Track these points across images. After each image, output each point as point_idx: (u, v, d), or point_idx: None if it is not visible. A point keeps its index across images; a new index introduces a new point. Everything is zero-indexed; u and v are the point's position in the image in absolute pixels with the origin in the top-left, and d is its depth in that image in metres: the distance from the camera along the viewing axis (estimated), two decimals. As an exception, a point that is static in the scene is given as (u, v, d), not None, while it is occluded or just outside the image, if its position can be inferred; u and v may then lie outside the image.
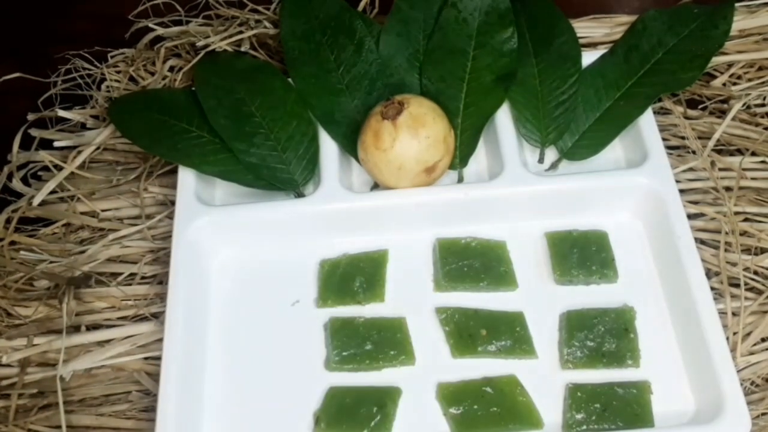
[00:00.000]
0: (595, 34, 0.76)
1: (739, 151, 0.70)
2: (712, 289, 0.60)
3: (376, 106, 0.64)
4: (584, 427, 0.56)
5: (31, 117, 0.75)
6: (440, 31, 0.68)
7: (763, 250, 0.64)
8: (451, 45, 0.67)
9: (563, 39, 0.70)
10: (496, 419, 0.56)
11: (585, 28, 0.76)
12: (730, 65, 0.74)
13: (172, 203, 0.66)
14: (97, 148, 0.72)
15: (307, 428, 0.58)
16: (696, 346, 0.57)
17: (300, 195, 0.66)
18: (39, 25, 0.85)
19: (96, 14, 0.84)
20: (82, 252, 0.67)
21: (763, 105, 0.72)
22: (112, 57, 0.78)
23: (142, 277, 0.66)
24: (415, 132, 0.61)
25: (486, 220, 0.65)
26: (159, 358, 0.58)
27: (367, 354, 0.59)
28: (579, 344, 0.59)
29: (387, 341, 0.60)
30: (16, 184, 0.71)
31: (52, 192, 0.70)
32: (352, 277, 0.63)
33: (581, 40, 0.72)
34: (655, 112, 0.68)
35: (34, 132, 0.74)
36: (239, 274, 0.65)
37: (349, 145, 0.67)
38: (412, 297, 0.63)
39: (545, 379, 0.59)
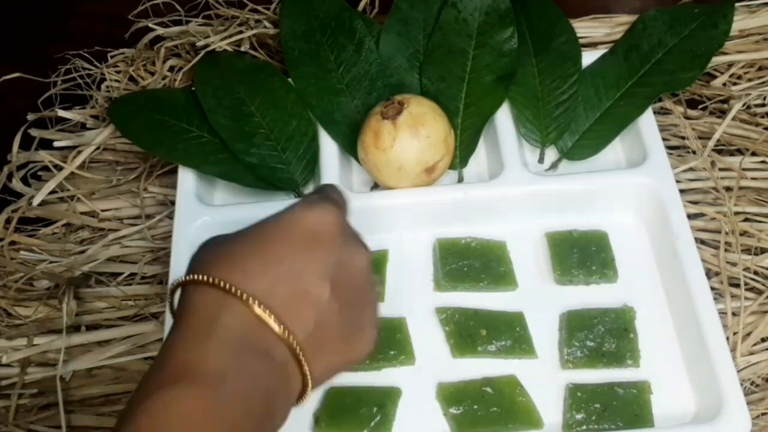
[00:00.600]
0: (595, 34, 0.76)
1: (739, 151, 0.70)
2: (712, 289, 0.60)
3: (376, 106, 0.64)
4: (584, 427, 0.56)
5: (31, 117, 0.75)
6: (440, 31, 0.68)
7: (763, 250, 0.64)
8: (451, 45, 0.67)
9: (563, 39, 0.70)
10: (496, 419, 0.56)
11: (585, 28, 0.76)
12: (730, 65, 0.74)
13: (172, 203, 0.66)
14: (97, 148, 0.72)
15: (307, 428, 0.58)
16: (696, 346, 0.57)
17: (300, 195, 0.66)
18: (39, 25, 0.85)
19: (96, 14, 0.84)
20: (82, 252, 0.67)
21: (763, 105, 0.72)
22: (112, 57, 0.78)
23: (142, 277, 0.66)
24: (415, 132, 0.61)
25: (486, 220, 0.65)
26: (159, 358, 0.58)
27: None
28: (579, 344, 0.59)
29: (387, 341, 0.60)
30: (16, 184, 0.71)
31: (52, 192, 0.70)
32: (352, 277, 0.63)
33: (581, 40, 0.72)
34: (655, 112, 0.68)
35: (34, 132, 0.74)
36: (239, 274, 0.65)
37: (349, 145, 0.67)
38: (412, 297, 0.63)
39: (545, 379, 0.59)
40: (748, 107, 0.72)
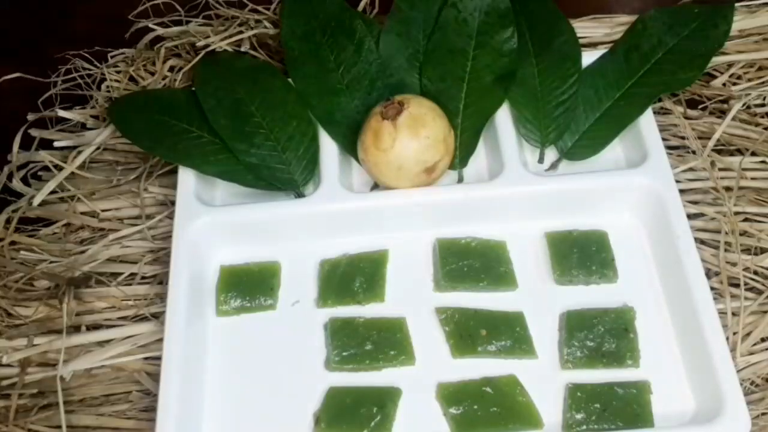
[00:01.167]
0: (595, 34, 0.76)
1: (739, 151, 0.70)
2: (712, 289, 0.60)
3: (376, 106, 0.64)
4: (584, 427, 0.56)
5: (31, 117, 0.75)
6: (440, 31, 0.68)
7: (763, 250, 0.64)
8: (451, 45, 0.67)
9: (563, 39, 0.70)
10: (496, 419, 0.56)
11: (585, 28, 0.76)
12: (730, 65, 0.74)
13: (172, 203, 0.66)
14: (97, 148, 0.72)
15: (307, 428, 0.58)
16: (696, 346, 0.57)
17: (300, 195, 0.66)
18: (39, 25, 0.85)
19: (96, 14, 0.84)
20: (82, 252, 0.67)
21: (763, 105, 0.72)
22: (112, 57, 0.78)
23: (142, 277, 0.66)
24: (415, 132, 0.61)
25: (486, 220, 0.65)
26: (159, 358, 0.58)
27: (367, 354, 0.59)
28: (579, 344, 0.59)
29: (387, 341, 0.60)
30: (16, 184, 0.71)
31: (52, 192, 0.70)
32: (352, 277, 0.63)
33: (581, 40, 0.72)
34: (655, 112, 0.68)
35: (34, 132, 0.74)
36: (239, 274, 0.65)
37: (349, 145, 0.67)
38: (412, 297, 0.63)
39: (545, 379, 0.59)
40: (748, 107, 0.72)
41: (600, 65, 0.70)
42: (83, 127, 0.75)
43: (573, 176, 0.65)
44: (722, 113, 0.72)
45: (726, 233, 0.64)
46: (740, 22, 0.75)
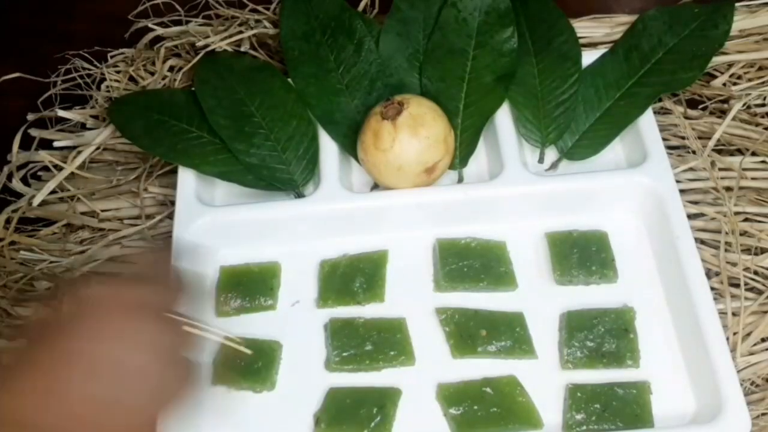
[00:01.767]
0: (595, 34, 0.76)
1: (739, 151, 0.70)
2: (712, 289, 0.60)
3: (376, 106, 0.64)
4: (584, 427, 0.56)
5: (31, 117, 0.75)
6: (440, 31, 0.68)
7: (763, 250, 0.64)
8: (451, 45, 0.67)
9: (563, 39, 0.70)
10: (496, 419, 0.56)
11: (585, 28, 0.76)
12: (730, 65, 0.74)
13: (172, 203, 0.66)
14: (97, 148, 0.72)
15: (307, 429, 0.58)
16: (696, 346, 0.57)
17: (300, 195, 0.66)
18: (39, 25, 0.85)
19: (96, 14, 0.84)
20: (82, 252, 0.67)
21: (763, 105, 0.72)
22: (112, 57, 0.78)
23: (142, 278, 0.66)
24: (415, 132, 0.61)
25: (486, 220, 0.65)
26: (159, 359, 0.58)
27: (367, 354, 0.59)
28: (579, 344, 0.59)
29: (387, 342, 0.60)
30: (16, 184, 0.71)
31: (52, 192, 0.70)
32: (352, 277, 0.63)
33: (581, 40, 0.72)
34: (655, 112, 0.68)
35: (34, 132, 0.74)
36: (239, 274, 0.65)
37: (349, 145, 0.67)
38: (412, 297, 0.63)
39: (545, 380, 0.59)
40: (748, 107, 0.72)
41: (600, 65, 0.70)
42: (83, 127, 0.75)
43: (573, 176, 0.65)
44: (722, 113, 0.72)
45: (726, 233, 0.64)
46: (740, 22, 0.75)
